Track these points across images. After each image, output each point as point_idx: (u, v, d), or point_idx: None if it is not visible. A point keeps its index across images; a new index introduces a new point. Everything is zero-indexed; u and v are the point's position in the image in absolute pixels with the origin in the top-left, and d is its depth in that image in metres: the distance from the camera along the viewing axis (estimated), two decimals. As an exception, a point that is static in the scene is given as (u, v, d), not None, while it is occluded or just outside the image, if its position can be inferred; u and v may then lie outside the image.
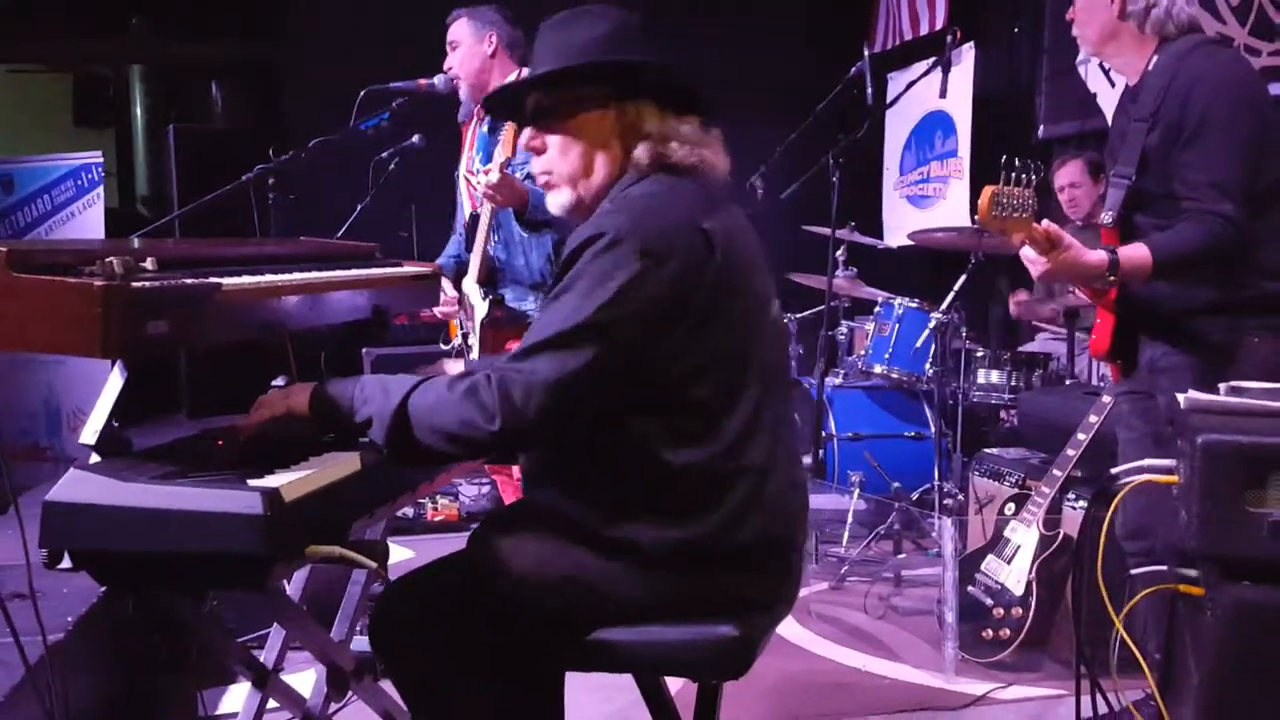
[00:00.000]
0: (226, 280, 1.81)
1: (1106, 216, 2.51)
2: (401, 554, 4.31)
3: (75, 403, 5.90)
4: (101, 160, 6.22)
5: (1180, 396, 1.87)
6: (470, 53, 3.44)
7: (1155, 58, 2.50)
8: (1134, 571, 2.35)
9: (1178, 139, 2.39)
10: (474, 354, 3.40)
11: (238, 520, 1.44)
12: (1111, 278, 2.34)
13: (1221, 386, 1.91)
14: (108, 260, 1.61)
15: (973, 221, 4.57)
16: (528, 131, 1.88)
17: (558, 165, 1.85)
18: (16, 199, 6.24)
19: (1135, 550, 2.55)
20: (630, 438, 1.70)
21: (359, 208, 4.16)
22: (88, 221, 6.08)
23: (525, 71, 3.41)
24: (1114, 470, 1.99)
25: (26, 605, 1.92)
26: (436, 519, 4.63)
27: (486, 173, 3.09)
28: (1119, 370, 2.61)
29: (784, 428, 1.86)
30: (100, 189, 6.10)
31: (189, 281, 1.70)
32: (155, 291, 1.59)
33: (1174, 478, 1.80)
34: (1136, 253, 2.34)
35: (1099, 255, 2.32)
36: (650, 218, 1.69)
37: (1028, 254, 2.33)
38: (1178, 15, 2.48)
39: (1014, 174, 2.21)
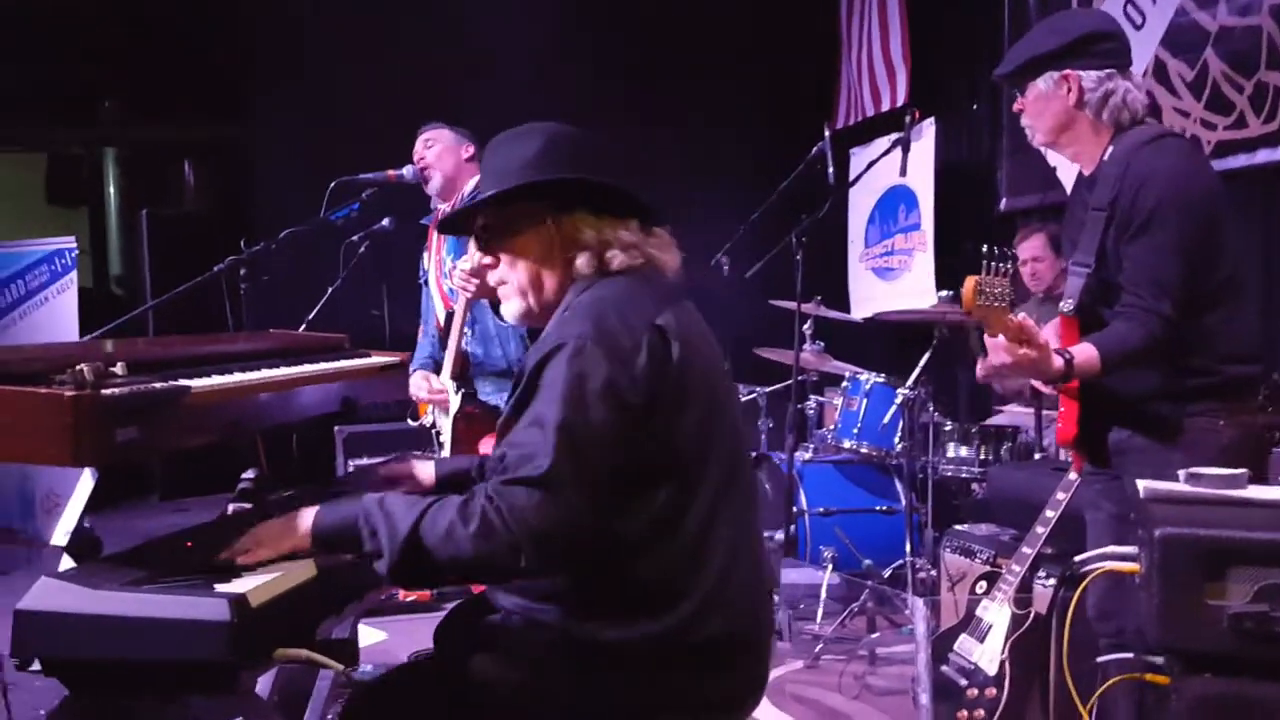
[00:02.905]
0: (196, 382, 1.83)
1: (1067, 304, 2.53)
2: (374, 635, 4.27)
3: (49, 485, 5.84)
4: (75, 246, 6.25)
5: (1140, 484, 1.90)
6: (449, 151, 3.60)
7: (1110, 147, 2.53)
8: (1102, 659, 2.36)
9: (1126, 231, 2.43)
10: (445, 450, 3.41)
11: (205, 627, 1.46)
12: (1065, 381, 2.40)
13: (1181, 474, 1.93)
14: (78, 368, 1.63)
15: (940, 291, 4.66)
16: (478, 253, 1.96)
17: (508, 278, 1.92)
18: (-10, 283, 6.26)
19: (1105, 632, 2.56)
20: (602, 538, 1.70)
21: (330, 290, 4.20)
22: (62, 306, 6.10)
23: None
24: (1078, 558, 2.01)
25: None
26: (408, 599, 4.59)
27: (463, 263, 3.15)
28: (1083, 459, 2.63)
29: (747, 519, 1.86)
30: (74, 273, 6.13)
31: (158, 386, 1.72)
32: (125, 399, 1.61)
33: (1135, 567, 1.82)
34: (1087, 354, 2.38)
35: (1058, 361, 2.35)
36: (606, 320, 1.72)
37: (995, 343, 2.34)
38: (1132, 104, 2.52)
39: (992, 263, 2.25)
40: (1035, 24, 4.98)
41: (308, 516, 1.78)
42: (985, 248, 2.27)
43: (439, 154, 3.57)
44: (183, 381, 1.80)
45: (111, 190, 10.44)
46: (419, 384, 3.47)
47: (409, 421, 3.84)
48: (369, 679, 2.62)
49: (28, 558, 5.75)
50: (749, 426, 5.16)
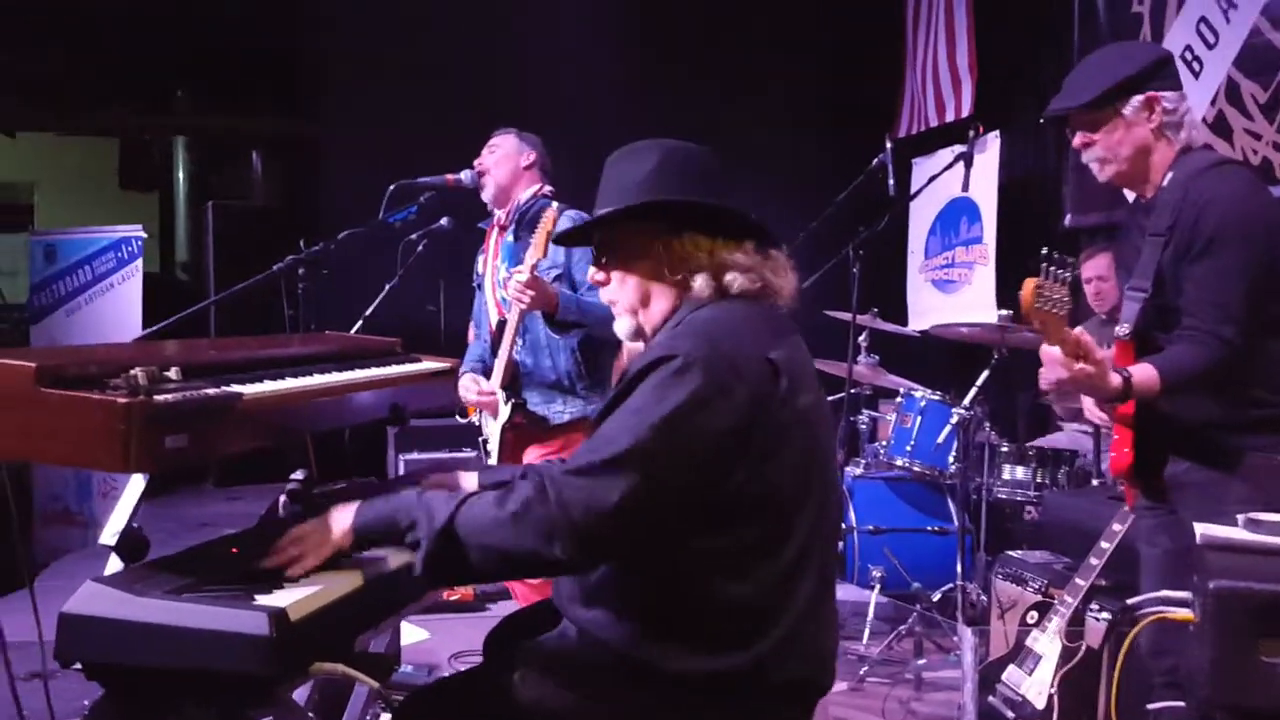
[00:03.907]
0: (248, 388, 1.85)
1: (1123, 329, 2.50)
2: (416, 634, 4.30)
3: (106, 469, 5.98)
4: (143, 235, 6.37)
5: (1197, 528, 1.85)
6: (507, 158, 3.59)
7: (1169, 173, 2.49)
8: (1152, 706, 2.31)
9: (1186, 255, 2.39)
10: (493, 459, 3.42)
11: (245, 640, 1.47)
12: (1121, 400, 2.35)
13: (1240, 518, 1.88)
14: (133, 373, 1.65)
15: (1000, 310, 4.58)
16: (592, 267, 1.96)
17: (619, 295, 1.91)
18: (59, 269, 6.40)
19: (1160, 669, 2.50)
20: (675, 562, 1.68)
21: (387, 287, 4.23)
22: (126, 292, 6.22)
23: (546, 188, 3.58)
24: (1131, 601, 1.96)
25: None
26: (452, 598, 4.62)
27: (518, 273, 3.15)
28: (1137, 493, 2.58)
29: (829, 565, 1.84)
30: (139, 261, 6.23)
31: (210, 393, 1.74)
32: (176, 406, 1.62)
33: (1190, 615, 1.76)
34: (1146, 374, 2.34)
35: (1116, 379, 2.31)
36: (719, 344, 1.69)
37: (1051, 354, 2.30)
38: (1198, 125, 2.51)
39: (1052, 269, 2.21)
40: (1103, 42, 4.92)
41: (349, 513, 1.80)
42: (1045, 251, 2.22)
43: (497, 160, 3.58)
44: (235, 388, 1.82)
45: (181, 177, 10.67)
46: (468, 386, 3.49)
47: (457, 418, 3.87)
48: (420, 684, 2.64)
49: (83, 539, 5.92)
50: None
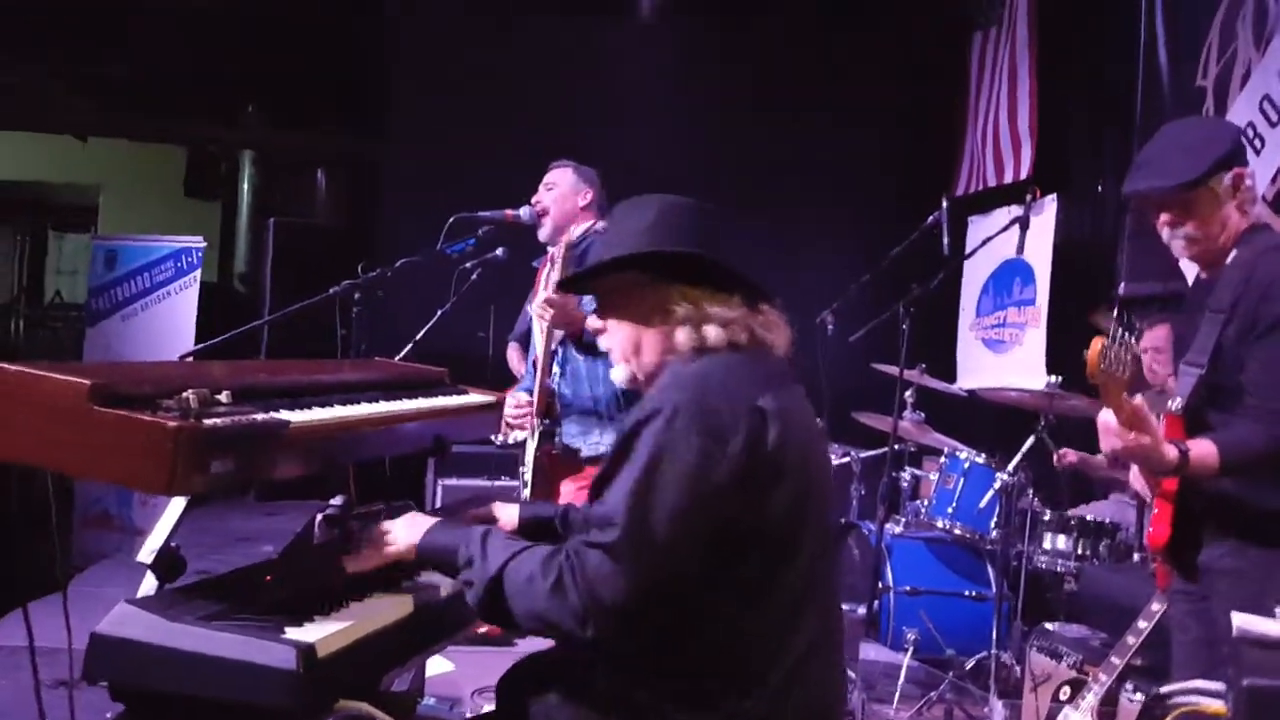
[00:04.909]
0: (295, 415, 1.87)
1: (1175, 403, 2.46)
2: (441, 665, 4.29)
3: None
4: (203, 246, 6.48)
5: (1235, 618, 1.81)
6: (565, 196, 3.62)
7: (1235, 250, 2.47)
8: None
9: (1250, 333, 2.36)
10: (526, 491, 3.44)
11: (271, 674, 1.48)
12: (1176, 475, 2.30)
13: (1279, 610, 1.84)
14: (184, 395, 1.67)
15: (1049, 375, 4.53)
16: (591, 315, 2.02)
17: (613, 343, 1.97)
18: (118, 274, 6.52)
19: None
20: (675, 609, 1.69)
21: (439, 312, 4.27)
22: (183, 302, 6.32)
23: (599, 224, 3.61)
24: (1163, 690, 1.92)
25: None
26: (480, 631, 4.60)
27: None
28: (1170, 572, 2.53)
29: (832, 614, 1.85)
30: (197, 272, 6.34)
31: (258, 419, 1.76)
32: (223, 430, 1.64)
33: (1223, 709, 1.72)
34: (1204, 450, 2.29)
35: (1172, 452, 2.27)
36: (706, 396, 1.72)
37: (1107, 424, 2.28)
38: (1260, 205, 2.48)
39: (1120, 331, 2.18)
40: (1166, 113, 4.88)
41: (419, 529, 1.86)
42: (1117, 312, 2.19)
43: (555, 199, 3.61)
44: (283, 414, 1.84)
45: (245, 189, 10.84)
46: (509, 400, 3.52)
47: (493, 439, 3.91)
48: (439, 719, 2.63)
49: (120, 545, 5.99)
50: (841, 491, 5.08)
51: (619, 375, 1.97)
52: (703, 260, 1.88)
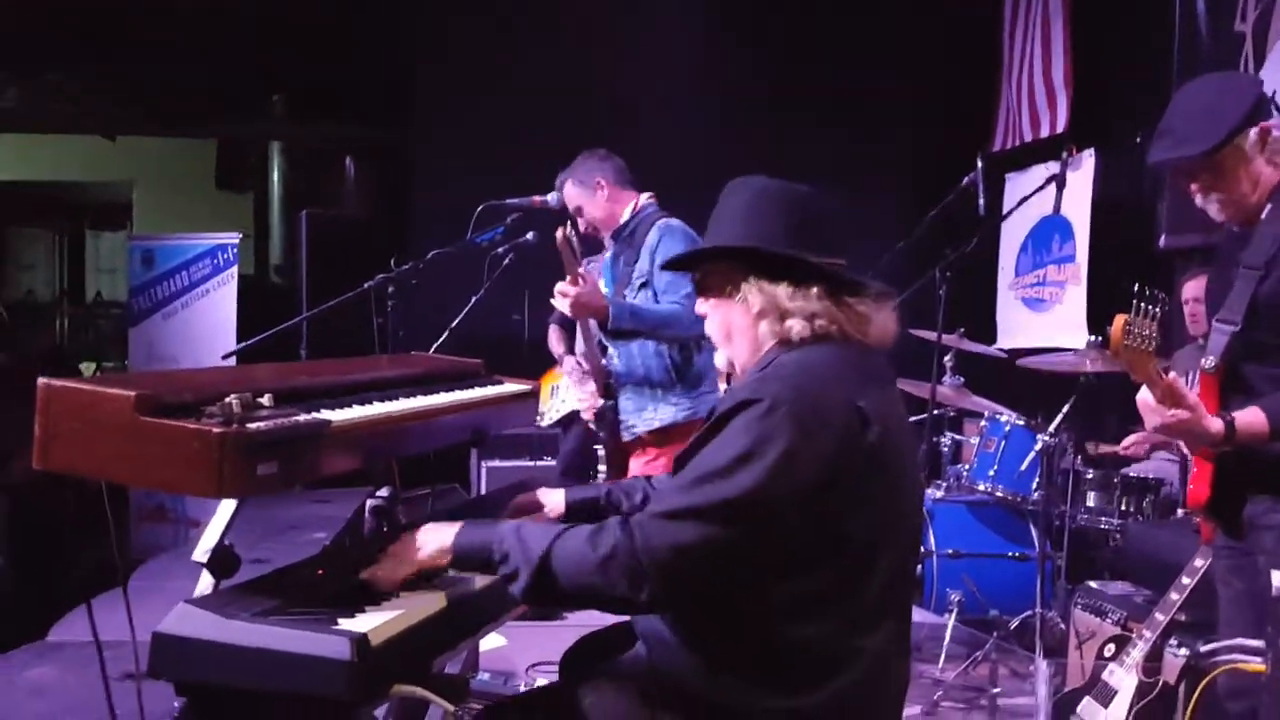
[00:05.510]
0: (336, 415, 1.91)
1: (1208, 361, 2.44)
2: (494, 641, 4.34)
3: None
4: (238, 241, 6.57)
5: (1275, 576, 1.82)
6: (590, 205, 3.67)
7: (1270, 205, 2.44)
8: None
9: None
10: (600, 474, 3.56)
11: (327, 665, 1.52)
12: (1226, 446, 2.29)
13: (1320, 568, 1.84)
14: (228, 401, 1.72)
15: (1091, 335, 4.50)
16: (699, 298, 2.01)
17: (710, 328, 1.98)
18: (156, 274, 6.64)
19: (1237, 711, 2.45)
20: (752, 603, 1.71)
21: (473, 299, 4.32)
22: (222, 298, 6.42)
23: (641, 196, 3.63)
24: (1205, 648, 1.92)
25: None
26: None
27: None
28: (1214, 529, 2.52)
29: (908, 607, 1.85)
30: (234, 268, 6.43)
31: (300, 420, 1.80)
32: (268, 434, 1.69)
33: (1262, 666, 1.73)
34: (1252, 418, 2.27)
35: (1216, 424, 2.26)
36: (806, 389, 1.71)
37: (1146, 403, 2.28)
38: None
39: (1143, 304, 2.18)
40: (1204, 60, 4.80)
41: (450, 532, 1.84)
42: (1137, 287, 2.19)
43: (588, 215, 3.68)
44: (324, 414, 1.88)
45: (276, 180, 10.94)
46: (566, 363, 3.70)
47: (537, 421, 3.96)
48: (496, 692, 2.68)
49: (175, 536, 6.11)
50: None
51: (719, 359, 2.00)
52: (773, 253, 1.86)
